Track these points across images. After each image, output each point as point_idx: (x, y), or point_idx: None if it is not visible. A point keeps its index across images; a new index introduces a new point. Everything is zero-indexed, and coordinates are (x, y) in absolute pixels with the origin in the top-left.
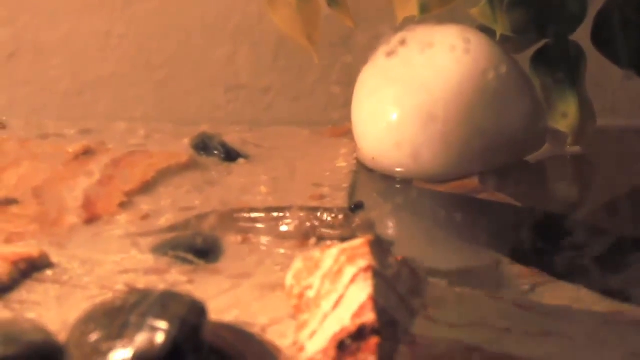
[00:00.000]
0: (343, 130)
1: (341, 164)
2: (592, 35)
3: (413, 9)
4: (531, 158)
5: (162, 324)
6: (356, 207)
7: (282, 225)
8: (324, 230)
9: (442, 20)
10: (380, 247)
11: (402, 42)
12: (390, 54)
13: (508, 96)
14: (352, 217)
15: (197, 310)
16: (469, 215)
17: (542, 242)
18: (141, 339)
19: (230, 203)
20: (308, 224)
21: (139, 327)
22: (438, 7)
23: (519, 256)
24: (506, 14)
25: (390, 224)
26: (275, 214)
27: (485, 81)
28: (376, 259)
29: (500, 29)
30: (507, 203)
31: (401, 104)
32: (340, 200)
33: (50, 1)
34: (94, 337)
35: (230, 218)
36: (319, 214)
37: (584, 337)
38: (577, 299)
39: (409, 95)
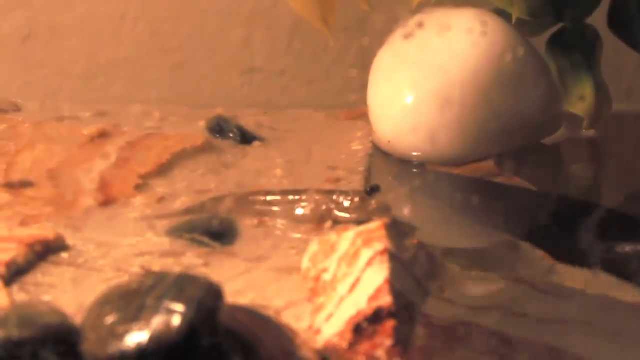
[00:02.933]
0: (359, 113)
1: (357, 147)
2: (609, 19)
3: None
4: (547, 141)
5: (179, 307)
6: (372, 190)
7: (298, 208)
8: (339, 213)
9: (458, 3)
10: (397, 230)
11: (420, 25)
12: (407, 36)
13: (524, 79)
14: (368, 200)
15: (214, 293)
16: (485, 199)
17: (559, 225)
18: (157, 321)
19: (245, 186)
20: (324, 207)
21: (155, 310)
22: None
23: (535, 239)
24: None
25: (407, 207)
26: (291, 197)
27: (502, 64)
28: (392, 242)
29: (516, 12)
30: (523, 186)
31: (418, 87)
32: (356, 183)
33: None
34: (110, 319)
35: (246, 201)
36: (334, 197)
37: (601, 322)
38: (594, 283)
39: (426, 78)
